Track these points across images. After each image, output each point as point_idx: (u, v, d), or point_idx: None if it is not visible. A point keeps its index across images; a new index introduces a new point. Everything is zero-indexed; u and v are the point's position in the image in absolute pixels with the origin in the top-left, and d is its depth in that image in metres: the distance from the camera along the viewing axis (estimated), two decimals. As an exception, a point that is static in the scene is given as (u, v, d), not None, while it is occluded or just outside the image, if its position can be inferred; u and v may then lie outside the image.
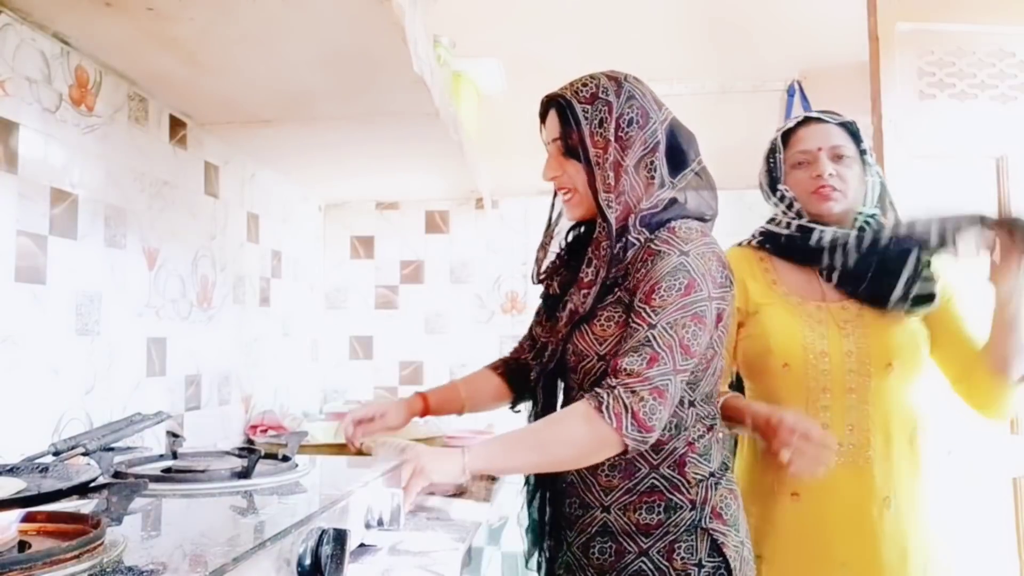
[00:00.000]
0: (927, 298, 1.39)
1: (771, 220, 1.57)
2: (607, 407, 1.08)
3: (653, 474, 1.20)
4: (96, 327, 1.43)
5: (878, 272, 1.42)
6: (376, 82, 1.52)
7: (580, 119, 1.23)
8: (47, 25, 1.27)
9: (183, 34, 1.29)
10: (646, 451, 1.17)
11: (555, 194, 1.36)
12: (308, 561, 0.78)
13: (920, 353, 1.42)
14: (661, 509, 1.19)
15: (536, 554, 1.35)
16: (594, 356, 1.20)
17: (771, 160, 1.55)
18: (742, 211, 2.67)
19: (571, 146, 1.24)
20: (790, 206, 1.51)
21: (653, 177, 1.24)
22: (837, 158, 1.46)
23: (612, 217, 1.20)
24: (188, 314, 1.78)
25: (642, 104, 1.26)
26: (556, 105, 1.27)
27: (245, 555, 0.65)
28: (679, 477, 1.20)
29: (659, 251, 1.16)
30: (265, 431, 2.03)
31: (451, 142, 1.94)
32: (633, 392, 1.08)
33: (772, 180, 1.55)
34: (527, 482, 1.36)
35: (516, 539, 2.35)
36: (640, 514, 1.19)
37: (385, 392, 2.73)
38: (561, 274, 1.33)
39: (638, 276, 1.16)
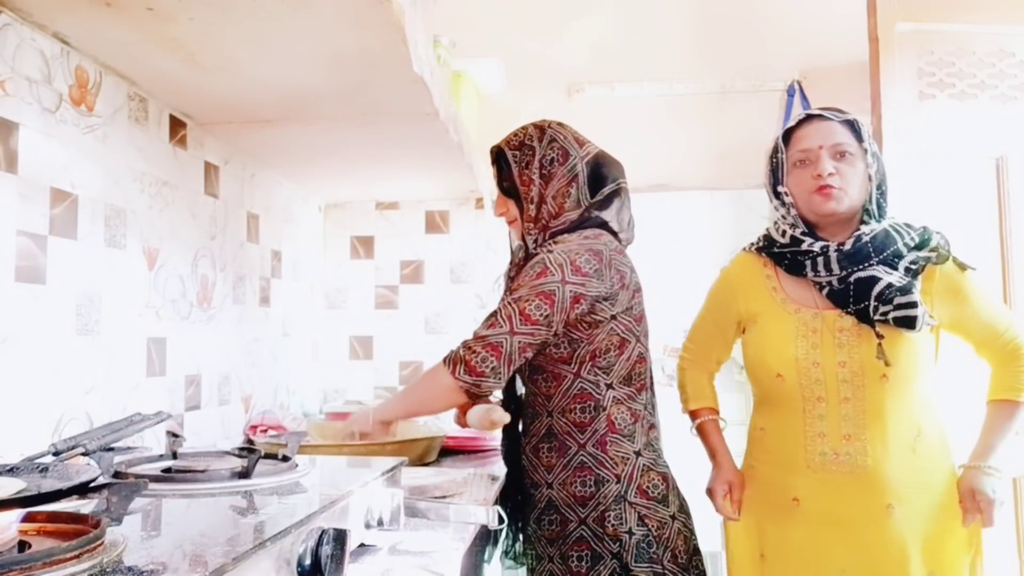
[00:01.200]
0: (907, 321, 1.36)
1: (775, 224, 1.55)
2: (449, 359, 1.36)
3: (581, 452, 1.40)
4: (96, 327, 1.43)
5: (858, 294, 1.40)
6: (376, 82, 1.52)
7: (511, 163, 1.51)
8: (47, 25, 1.27)
9: (183, 34, 1.29)
10: (573, 431, 1.41)
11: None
12: (308, 561, 0.78)
13: (921, 362, 1.39)
14: (592, 483, 1.39)
15: (513, 538, 1.55)
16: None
17: (773, 160, 1.52)
18: (742, 211, 2.67)
19: (506, 187, 1.53)
20: (788, 211, 1.49)
21: (565, 202, 1.47)
22: (839, 155, 1.43)
23: (530, 242, 1.47)
24: (188, 314, 1.78)
25: (563, 145, 1.50)
26: (496, 155, 1.55)
27: (245, 555, 0.65)
28: (603, 455, 1.40)
29: (531, 255, 1.44)
30: (265, 431, 2.03)
31: (451, 142, 1.94)
32: (468, 347, 1.35)
33: (775, 181, 1.52)
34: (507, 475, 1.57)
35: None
36: (576, 487, 1.40)
37: (386, 392, 2.73)
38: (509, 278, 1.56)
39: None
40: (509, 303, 1.37)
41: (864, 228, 1.43)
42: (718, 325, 1.62)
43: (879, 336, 1.37)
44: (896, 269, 1.40)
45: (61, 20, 1.25)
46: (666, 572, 1.37)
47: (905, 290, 1.36)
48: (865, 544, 1.38)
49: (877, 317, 1.37)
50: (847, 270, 1.41)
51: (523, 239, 1.50)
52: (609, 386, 1.41)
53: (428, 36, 1.63)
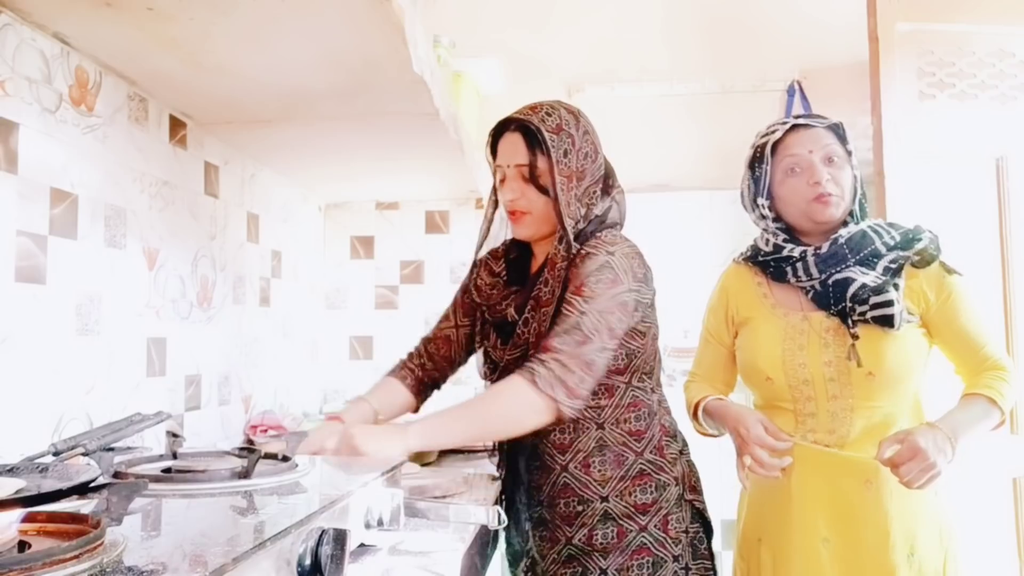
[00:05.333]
0: (885, 320, 1.36)
1: (761, 233, 1.55)
2: (541, 378, 1.20)
3: (639, 460, 1.36)
4: (96, 327, 1.43)
5: (836, 296, 1.40)
6: (376, 82, 1.52)
7: (549, 148, 1.31)
8: (47, 25, 1.27)
9: (183, 34, 1.29)
10: (629, 441, 1.35)
11: (492, 214, 1.47)
12: (308, 561, 0.78)
13: (908, 360, 1.39)
14: (652, 488, 1.35)
15: (522, 560, 1.44)
16: None
17: (756, 170, 1.50)
18: (742, 211, 2.66)
19: (536, 173, 1.32)
20: (769, 223, 1.49)
21: (591, 203, 1.37)
22: (829, 161, 1.43)
23: (572, 240, 1.32)
24: (188, 314, 1.78)
25: (593, 139, 1.38)
26: (523, 130, 1.34)
27: (245, 555, 0.65)
28: (661, 459, 1.37)
29: (588, 253, 1.30)
30: (265, 431, 2.03)
31: (451, 142, 1.94)
32: (564, 365, 1.21)
33: (755, 193, 1.50)
34: (508, 498, 1.45)
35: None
36: (635, 496, 1.34)
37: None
38: (513, 298, 1.41)
39: (570, 277, 1.30)
40: (593, 314, 1.24)
41: (841, 231, 1.44)
42: (720, 340, 1.59)
43: (854, 337, 1.39)
44: (874, 269, 1.41)
45: (61, 20, 1.25)
46: (712, 564, 1.41)
47: (879, 290, 1.37)
48: (846, 516, 1.39)
49: (855, 317, 1.38)
50: (825, 273, 1.42)
51: (565, 235, 1.32)
52: (653, 390, 1.41)
53: (428, 36, 1.63)
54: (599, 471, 1.35)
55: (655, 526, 1.34)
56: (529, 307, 1.34)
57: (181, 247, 1.75)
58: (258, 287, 2.21)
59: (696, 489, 1.42)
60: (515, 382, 1.22)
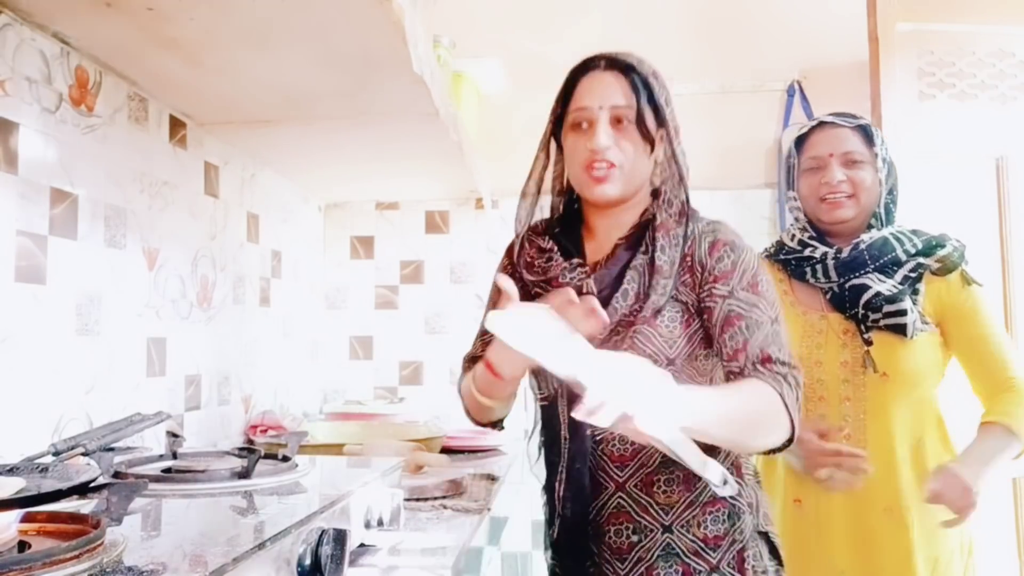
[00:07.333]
0: (898, 328, 1.37)
1: (788, 227, 1.58)
2: (788, 398, 1.01)
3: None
4: (96, 327, 1.43)
5: (851, 302, 1.41)
6: (376, 82, 1.52)
7: (655, 92, 1.14)
8: (47, 25, 1.27)
9: (183, 34, 1.29)
10: None
11: (539, 187, 1.26)
12: (308, 561, 0.78)
13: (922, 367, 1.39)
14: (725, 517, 1.12)
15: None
16: (664, 360, 1.10)
17: (788, 164, 1.55)
18: (741, 211, 2.67)
19: (641, 118, 1.13)
20: (798, 218, 1.53)
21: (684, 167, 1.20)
22: (850, 163, 1.44)
23: (688, 201, 1.18)
24: (188, 314, 1.78)
25: None
26: (625, 69, 1.13)
27: (245, 555, 0.65)
28: (738, 480, 1.12)
29: (732, 242, 1.14)
30: (265, 431, 2.03)
31: (451, 142, 1.94)
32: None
33: (787, 185, 1.56)
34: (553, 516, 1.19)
35: (516, 540, 2.34)
36: (706, 527, 1.11)
37: (386, 392, 2.73)
38: (580, 270, 1.18)
39: (721, 266, 1.12)
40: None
41: (864, 236, 1.45)
42: None
43: (867, 343, 1.39)
44: (892, 276, 1.40)
45: (61, 20, 1.25)
46: None
47: (893, 299, 1.37)
48: (865, 546, 1.38)
49: (869, 324, 1.38)
50: (843, 277, 1.43)
51: (686, 196, 1.19)
52: None
53: (428, 36, 1.63)
54: (664, 493, 1.11)
55: (728, 564, 1.10)
56: (629, 278, 1.13)
57: (181, 247, 1.75)
58: (258, 287, 2.21)
59: (768, 518, 1.19)
60: (770, 395, 1.01)
